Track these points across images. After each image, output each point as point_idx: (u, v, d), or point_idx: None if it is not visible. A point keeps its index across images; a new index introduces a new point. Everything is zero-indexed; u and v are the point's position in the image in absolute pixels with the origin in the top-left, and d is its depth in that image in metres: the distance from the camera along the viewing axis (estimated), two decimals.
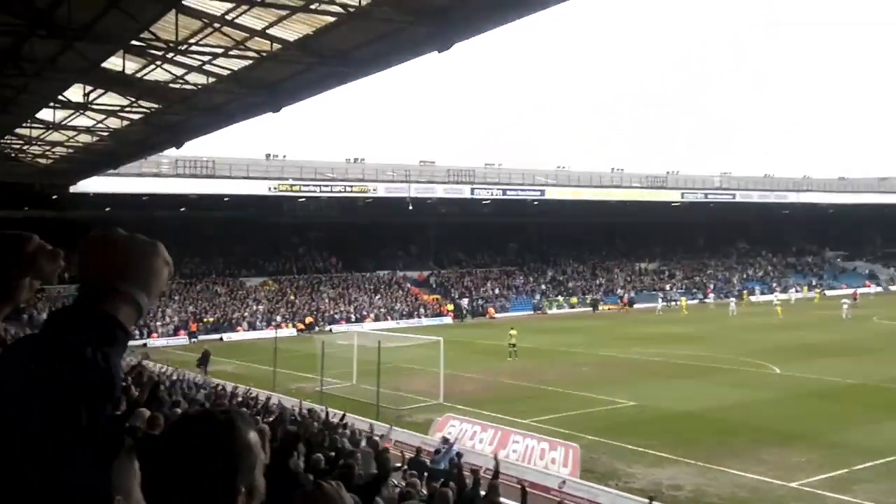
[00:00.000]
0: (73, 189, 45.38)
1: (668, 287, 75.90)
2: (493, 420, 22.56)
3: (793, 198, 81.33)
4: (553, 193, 69.95)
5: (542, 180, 72.05)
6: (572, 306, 68.64)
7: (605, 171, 79.49)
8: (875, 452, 18.38)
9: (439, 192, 65.18)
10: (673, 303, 68.57)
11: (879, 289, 77.63)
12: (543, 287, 72.18)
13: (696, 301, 70.80)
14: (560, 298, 69.71)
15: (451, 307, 64.01)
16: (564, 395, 27.33)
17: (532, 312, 66.08)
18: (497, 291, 69.91)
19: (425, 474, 15.70)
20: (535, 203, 70.92)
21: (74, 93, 23.84)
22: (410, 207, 63.70)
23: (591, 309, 67.59)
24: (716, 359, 34.37)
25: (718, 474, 17.52)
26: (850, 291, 67.46)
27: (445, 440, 18.57)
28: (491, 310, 65.25)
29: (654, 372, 31.69)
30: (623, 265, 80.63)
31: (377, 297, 64.35)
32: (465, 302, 65.79)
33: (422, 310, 63.07)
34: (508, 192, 68.14)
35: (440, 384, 27.55)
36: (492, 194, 67.67)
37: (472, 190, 66.37)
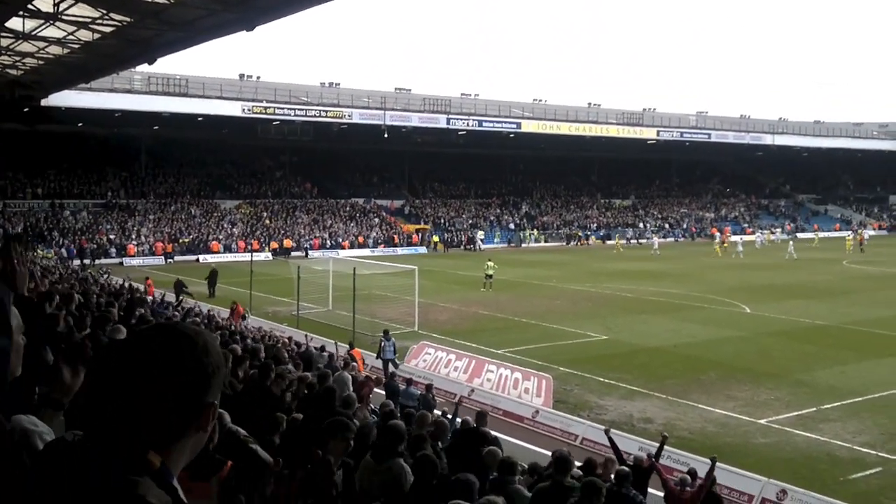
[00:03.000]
0: (44, 102, 44.31)
1: (641, 224, 76.50)
2: (467, 349, 22.76)
3: (768, 140, 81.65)
4: (529, 126, 69.58)
5: (519, 113, 71.57)
6: (546, 240, 69.08)
7: (581, 105, 79.37)
8: (842, 393, 18.82)
9: (415, 120, 64.68)
10: (643, 240, 69.48)
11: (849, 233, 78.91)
12: (518, 220, 72.30)
13: (671, 239, 71.37)
14: (536, 232, 69.93)
15: (436, 239, 63.86)
16: (538, 328, 27.62)
17: (507, 245, 66.28)
18: (472, 223, 69.95)
19: (399, 399, 15.87)
20: (511, 136, 70.57)
21: (44, 2, 23.08)
22: (386, 135, 63.18)
23: (565, 244, 68.11)
24: (687, 296, 34.87)
25: (688, 409, 17.86)
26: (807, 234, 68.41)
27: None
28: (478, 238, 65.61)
29: (626, 307, 32.07)
30: (597, 200, 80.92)
31: (352, 225, 64.14)
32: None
33: (396, 238, 63.04)
34: (484, 124, 67.76)
35: (415, 312, 27.70)
36: (467, 125, 67.20)
37: (448, 120, 65.87)
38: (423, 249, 61.73)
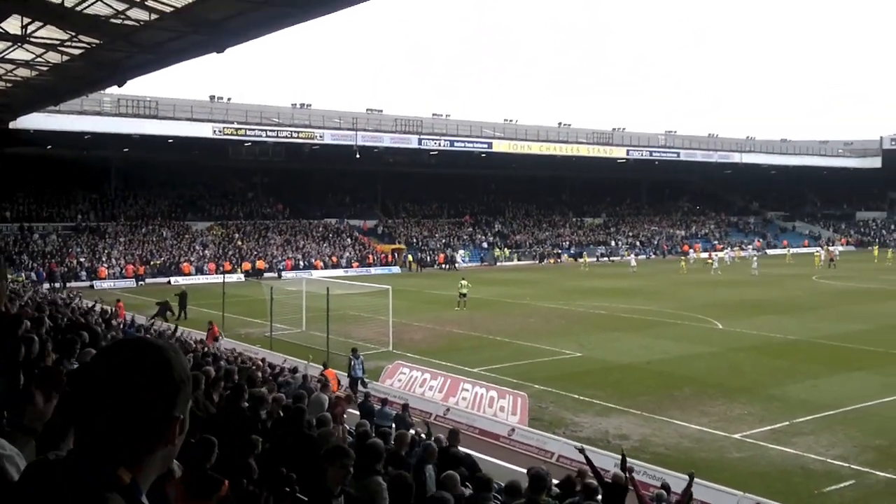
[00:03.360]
0: (12, 125, 43.82)
1: (613, 242, 77.12)
2: (442, 368, 22.73)
3: (736, 158, 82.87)
4: (500, 147, 70.12)
5: (490, 133, 72.08)
6: (519, 259, 69.38)
7: (552, 125, 79.97)
8: (814, 407, 19.01)
9: (387, 140, 64.94)
10: (615, 258, 70.06)
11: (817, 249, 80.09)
12: (490, 239, 72.53)
13: (643, 256, 71.92)
14: (507, 251, 70.17)
15: (411, 258, 63.74)
16: (512, 346, 27.67)
17: (480, 263, 66.43)
18: (445, 242, 70.04)
19: (374, 419, 15.78)
20: (483, 155, 70.94)
21: (12, 24, 22.94)
22: (358, 156, 63.26)
23: (537, 262, 68.48)
24: (660, 313, 35.13)
25: (663, 424, 17.93)
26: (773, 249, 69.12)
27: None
28: (442, 256, 65.59)
29: (599, 325, 32.24)
30: (569, 219, 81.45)
31: (325, 245, 63.91)
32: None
33: (371, 258, 62.90)
34: (456, 144, 68.15)
35: (389, 332, 27.61)
36: (439, 145, 67.49)
37: (420, 140, 66.17)
38: (396, 269, 61.66)
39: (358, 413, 16.48)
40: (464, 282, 38.15)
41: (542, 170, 78.44)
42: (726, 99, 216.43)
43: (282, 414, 10.31)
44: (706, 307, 36.59)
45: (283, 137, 61.34)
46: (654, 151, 79.05)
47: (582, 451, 11.95)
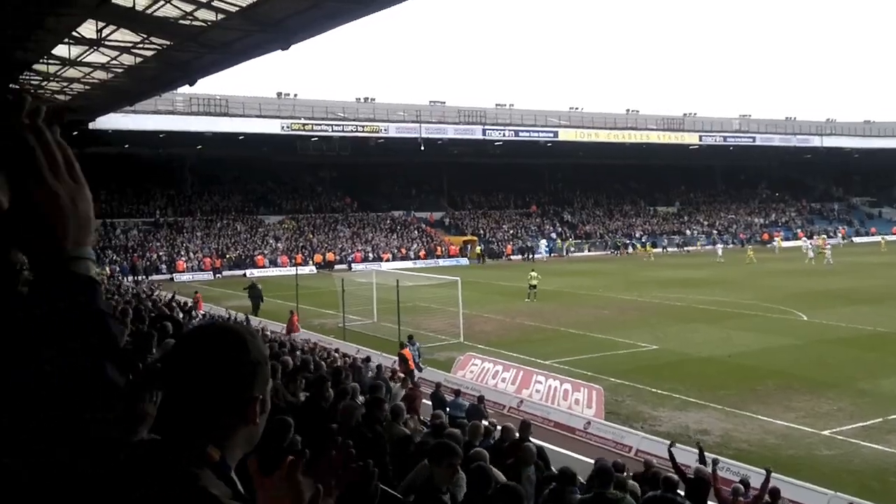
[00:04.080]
0: (92, 126, 45.40)
1: (687, 232, 75.34)
2: (513, 360, 22.45)
3: (816, 142, 79.88)
4: (566, 135, 69.28)
5: (555, 122, 71.27)
6: (590, 249, 68.35)
7: (619, 112, 78.49)
8: None
9: (450, 132, 64.91)
10: (689, 248, 68.38)
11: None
12: (559, 229, 71.77)
13: (720, 246, 69.32)
14: (573, 241, 69.19)
15: (479, 250, 63.27)
16: (585, 338, 27.15)
17: (548, 255, 65.53)
18: (512, 233, 69.62)
19: (447, 409, 15.71)
20: (548, 144, 70.22)
21: (88, 29, 23.59)
22: (422, 148, 63.39)
23: (610, 252, 67.38)
24: (739, 304, 34.01)
25: (746, 420, 17.28)
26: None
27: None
28: (509, 247, 65.06)
29: (676, 316, 31.40)
30: (640, 208, 79.99)
31: (393, 238, 64.33)
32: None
33: (438, 250, 62.98)
34: (521, 134, 67.69)
35: (459, 324, 27.45)
36: (504, 135, 67.11)
37: (484, 131, 65.96)
38: (464, 261, 61.45)
39: (430, 403, 16.45)
40: (533, 273, 37.70)
41: (611, 158, 77.16)
42: (804, 80, 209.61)
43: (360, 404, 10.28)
44: (789, 298, 35.25)
45: (349, 132, 62.11)
46: (729, 137, 76.93)
47: (671, 446, 11.60)
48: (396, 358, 20.81)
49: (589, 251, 68.05)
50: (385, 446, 7.97)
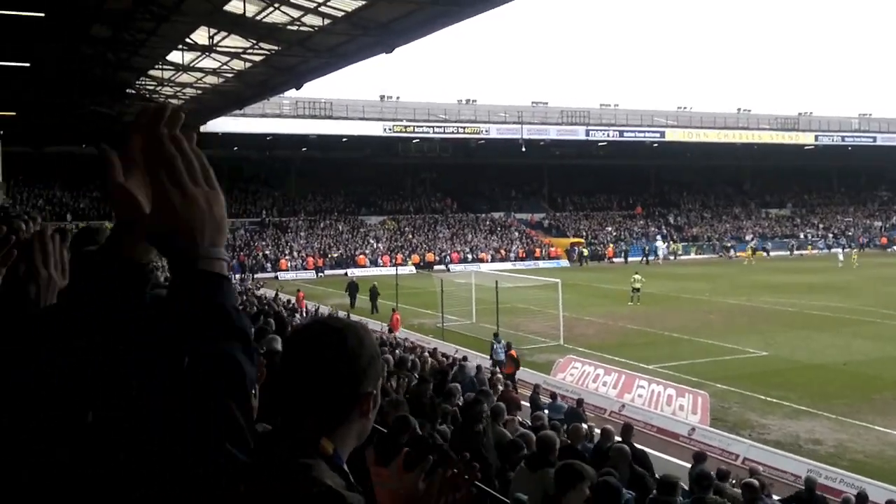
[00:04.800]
0: (203, 129, 47.40)
1: (801, 235, 72.17)
2: (615, 364, 22.04)
3: None
4: (674, 135, 67.67)
5: (662, 122, 69.67)
6: (697, 252, 66.36)
7: (730, 111, 75.99)
8: None
9: (553, 133, 64.49)
10: (802, 251, 65.45)
11: None
12: (664, 231, 70.07)
13: (837, 250, 65.65)
14: (678, 244, 67.20)
15: (586, 251, 62.09)
16: (690, 343, 26.35)
17: (656, 258, 63.24)
18: (616, 235, 68.45)
19: (545, 411, 15.57)
20: (655, 145, 68.69)
21: (200, 35, 24.61)
22: (524, 149, 63.14)
23: (717, 255, 65.26)
24: (856, 311, 32.21)
25: (862, 430, 16.43)
26: None
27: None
28: (610, 250, 63.91)
29: (787, 322, 30.07)
30: (750, 210, 77.20)
31: (492, 239, 64.36)
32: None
33: (538, 252, 62.57)
34: (626, 134, 66.60)
35: (560, 326, 27.13)
36: (608, 136, 66.19)
37: (588, 131, 65.24)
38: (564, 263, 60.67)
39: (527, 405, 16.33)
40: (637, 276, 36.86)
41: (720, 159, 74.79)
42: None
43: (460, 404, 10.28)
44: None
45: (450, 133, 62.55)
46: (847, 136, 73.27)
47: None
48: (506, 346, 21.06)
49: (696, 254, 66.06)
50: (485, 447, 7.94)
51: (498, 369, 20.88)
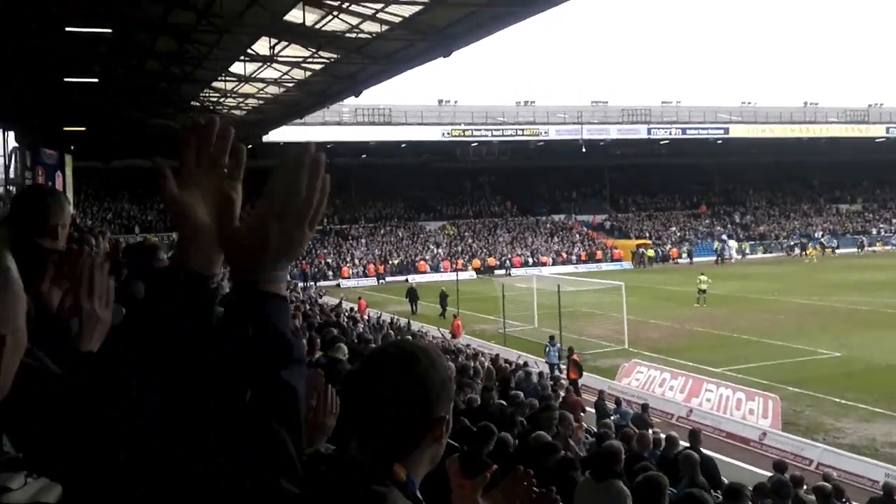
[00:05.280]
0: (265, 138, 48.30)
1: (873, 231, 69.82)
2: (682, 368, 21.63)
3: None
4: (738, 131, 66.29)
5: (726, 117, 68.21)
6: (765, 251, 64.71)
7: (796, 105, 73.91)
8: None
9: (613, 132, 63.83)
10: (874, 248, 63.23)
11: None
12: (730, 230, 68.54)
13: None
14: (744, 244, 65.53)
15: (651, 253, 60.84)
16: (760, 344, 25.71)
17: (717, 259, 61.85)
18: (680, 235, 67.24)
19: (612, 417, 15.37)
20: (719, 142, 67.31)
21: (261, 46, 25.07)
22: (584, 150, 62.54)
23: (784, 254, 63.54)
24: None
25: None
26: None
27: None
28: (675, 251, 62.81)
29: (861, 322, 29.07)
30: (819, 206, 74.97)
31: (553, 242, 63.86)
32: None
33: (600, 254, 61.82)
34: (688, 132, 65.47)
35: (624, 329, 26.75)
36: (670, 134, 65.16)
37: (649, 130, 64.36)
38: (627, 265, 59.72)
39: (592, 411, 16.16)
40: (703, 277, 36.10)
41: (787, 154, 72.84)
42: None
43: (528, 412, 10.22)
44: None
45: (509, 136, 62.44)
46: None
47: None
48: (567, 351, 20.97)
49: (764, 253, 64.43)
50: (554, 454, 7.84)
51: (555, 372, 20.88)
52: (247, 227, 1.26)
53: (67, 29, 20.98)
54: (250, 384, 1.21)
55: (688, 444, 12.02)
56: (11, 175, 38.18)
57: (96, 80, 28.15)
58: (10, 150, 38.71)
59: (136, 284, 4.74)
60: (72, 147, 46.55)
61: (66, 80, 27.20)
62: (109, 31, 21.73)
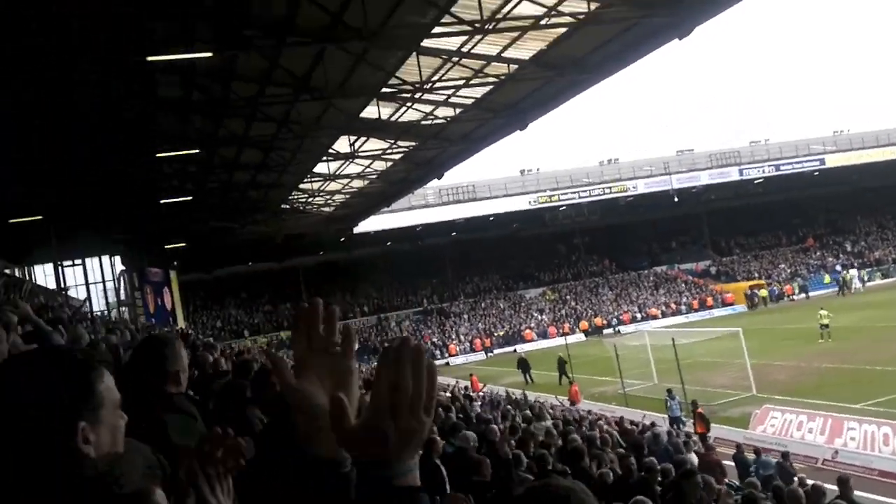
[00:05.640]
0: (356, 230, 49.33)
1: None
2: (817, 408, 20.20)
3: None
4: (835, 160, 63.93)
5: (820, 148, 65.98)
6: (883, 277, 61.09)
7: (892, 127, 70.74)
8: None
9: (704, 178, 62.88)
10: None
11: None
12: (843, 259, 65.23)
13: None
14: (855, 272, 61.76)
15: (765, 293, 58.23)
16: None
17: (840, 291, 58.44)
18: (791, 271, 64.45)
19: (752, 468, 14.41)
20: (816, 173, 64.89)
21: (341, 144, 25.88)
22: (675, 199, 61.44)
23: None
24: None
25: None
26: None
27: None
28: (790, 288, 60.00)
29: None
30: None
31: (660, 294, 62.22)
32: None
33: (709, 300, 59.67)
34: (782, 168, 63.71)
35: (749, 375, 25.39)
36: (763, 172, 63.63)
37: (741, 171, 63.17)
38: (740, 308, 57.23)
39: (732, 464, 15.23)
40: (823, 311, 34.17)
41: (890, 177, 69.39)
42: None
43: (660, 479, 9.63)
44: None
45: (596, 195, 61.91)
46: None
47: None
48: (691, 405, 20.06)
49: (882, 279, 60.84)
50: None
51: (677, 427, 19.94)
52: (362, 426, 1.19)
53: (158, 155, 22.17)
54: None
55: (836, 491, 11.07)
56: (122, 297, 39.84)
57: (190, 197, 29.54)
58: (117, 273, 40.42)
59: (252, 413, 4.65)
60: (175, 262, 48.58)
61: (161, 201, 28.65)
62: (197, 151, 22.85)
